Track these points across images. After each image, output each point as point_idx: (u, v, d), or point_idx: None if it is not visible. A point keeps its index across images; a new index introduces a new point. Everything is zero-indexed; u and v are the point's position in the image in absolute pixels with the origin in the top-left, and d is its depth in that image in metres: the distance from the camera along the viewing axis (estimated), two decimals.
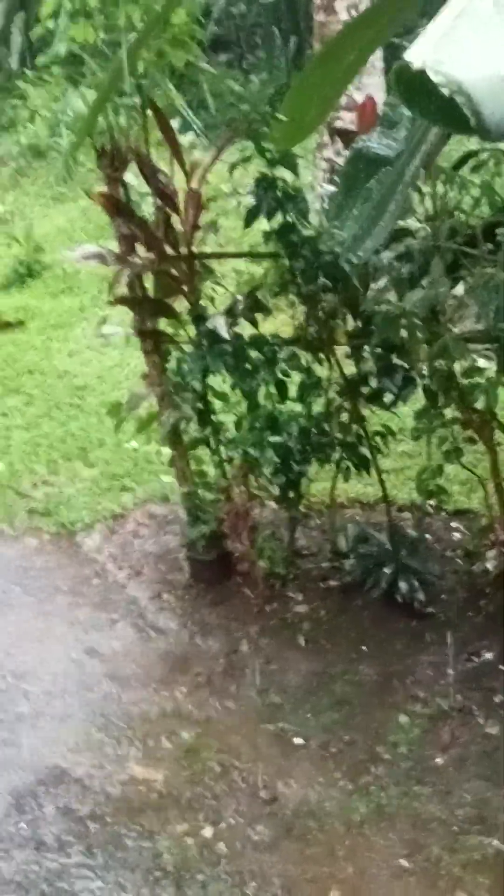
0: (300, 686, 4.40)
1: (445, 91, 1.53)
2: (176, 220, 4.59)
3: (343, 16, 8.11)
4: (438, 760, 3.96)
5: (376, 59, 8.27)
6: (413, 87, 1.58)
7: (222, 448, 4.82)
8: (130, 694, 4.47)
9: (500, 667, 4.33)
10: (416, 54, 1.56)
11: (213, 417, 4.80)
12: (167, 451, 5.13)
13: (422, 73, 1.53)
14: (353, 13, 7.95)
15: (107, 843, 3.77)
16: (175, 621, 4.89)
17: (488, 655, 4.41)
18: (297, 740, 4.14)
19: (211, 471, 5.00)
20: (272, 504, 5.15)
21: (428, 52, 1.56)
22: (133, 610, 4.99)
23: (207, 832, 3.79)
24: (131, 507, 5.82)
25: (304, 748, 4.10)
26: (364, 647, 4.57)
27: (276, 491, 4.82)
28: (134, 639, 4.81)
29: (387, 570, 4.70)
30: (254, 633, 4.72)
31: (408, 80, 1.57)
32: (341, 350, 4.66)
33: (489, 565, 4.82)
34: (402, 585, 4.65)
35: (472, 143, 5.61)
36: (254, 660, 4.58)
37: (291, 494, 4.85)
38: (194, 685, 4.48)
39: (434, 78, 1.53)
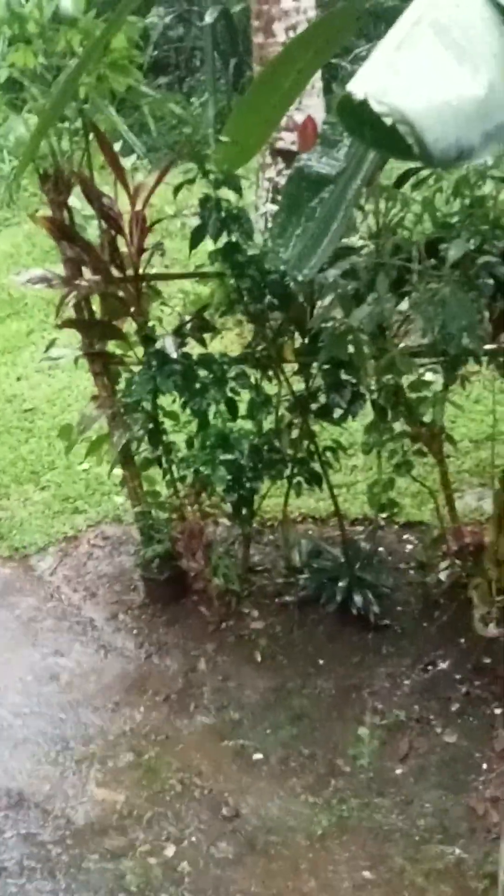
0: (258, 702, 4.42)
1: (389, 121, 1.56)
2: (121, 243, 4.60)
3: (281, 38, 8.17)
4: (398, 771, 3.99)
5: (316, 79, 8.35)
6: (357, 117, 1.60)
7: (174, 467, 4.84)
8: (89, 715, 4.47)
9: (456, 676, 4.38)
10: (359, 85, 1.59)
11: (164, 437, 4.81)
12: (119, 472, 5.13)
13: (365, 104, 1.56)
14: (292, 34, 8.02)
15: (69, 866, 3.77)
16: (132, 641, 4.89)
17: (443, 665, 4.46)
18: (257, 756, 4.16)
19: (163, 490, 5.01)
20: (225, 521, 5.17)
21: (370, 82, 1.59)
22: (89, 631, 4.99)
23: (170, 851, 3.80)
24: (84, 528, 5.82)
25: (264, 763, 4.12)
26: (321, 661, 4.60)
27: (228, 508, 4.84)
28: (91, 660, 4.80)
29: (341, 584, 4.73)
30: (211, 650, 4.74)
31: (351, 110, 1.59)
32: (290, 367, 4.70)
33: (442, 576, 4.87)
34: (357, 599, 4.69)
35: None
36: (211, 677, 4.59)
37: (244, 511, 4.87)
38: (153, 704, 4.49)
39: (377, 108, 1.56)
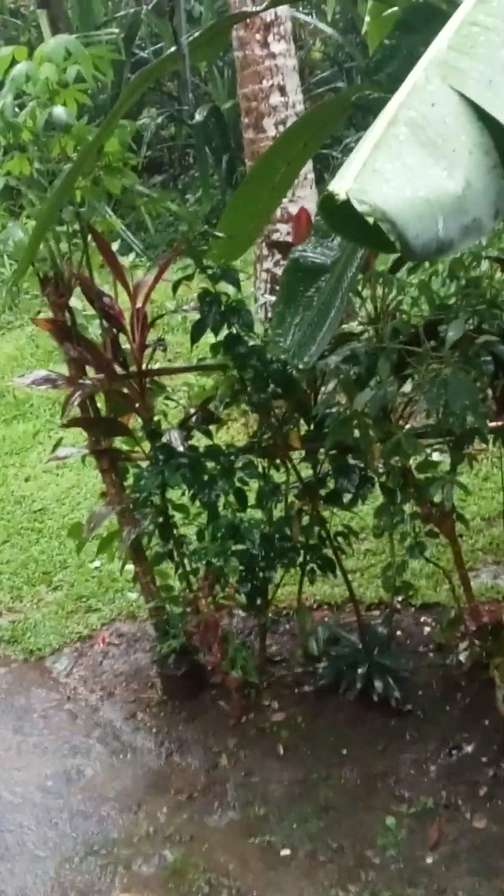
0: (283, 796, 4.34)
1: (370, 219, 1.59)
2: (124, 340, 4.65)
3: (271, 132, 8.34)
4: (429, 860, 3.91)
5: (308, 170, 8.50)
6: (339, 216, 1.64)
7: (186, 560, 4.83)
8: (111, 818, 4.40)
9: (482, 758, 4.31)
10: (340, 184, 1.62)
11: (174, 530, 4.80)
12: (131, 568, 5.11)
13: (347, 203, 1.60)
14: (281, 129, 8.19)
15: None
16: (151, 740, 4.83)
17: (468, 748, 4.39)
18: (285, 851, 4.07)
19: (176, 584, 4.99)
20: (240, 612, 5.14)
21: (350, 181, 1.62)
22: (108, 732, 4.93)
23: None
24: (99, 627, 5.78)
25: (292, 859, 4.03)
26: (344, 750, 4.53)
27: (243, 599, 4.81)
28: (111, 761, 4.74)
29: (360, 671, 4.68)
30: (232, 745, 4.67)
31: (334, 209, 1.63)
32: (297, 454, 4.71)
33: (462, 657, 4.82)
34: (377, 684, 4.63)
35: None
36: (234, 773, 4.52)
37: (259, 601, 4.84)
38: (176, 804, 4.41)
39: (358, 207, 1.59)
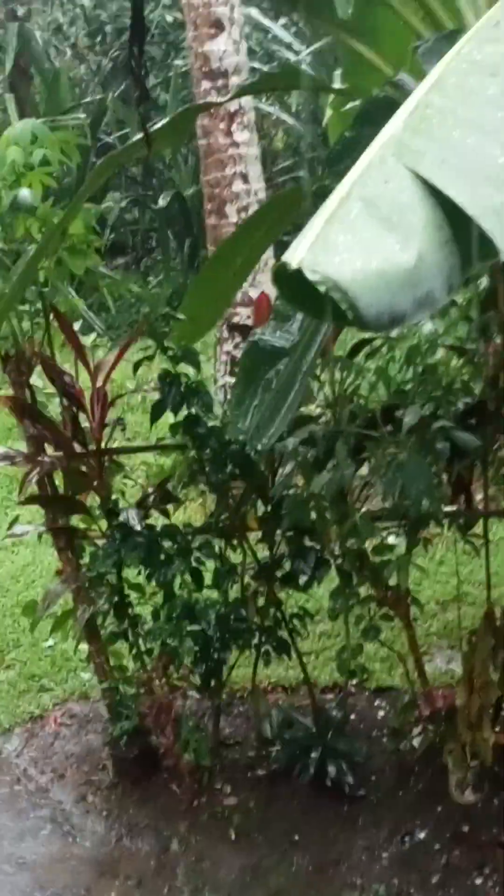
0: (234, 882, 4.28)
1: (323, 289, 1.63)
2: (83, 418, 4.67)
3: (233, 218, 8.49)
4: None
5: (268, 256, 8.63)
6: (292, 286, 1.67)
7: (141, 640, 4.80)
8: None
9: (435, 846, 4.27)
10: (293, 256, 1.67)
11: (129, 610, 4.78)
12: (85, 648, 5.07)
13: (299, 273, 1.64)
14: (243, 215, 8.33)
15: None
16: (102, 824, 4.75)
17: (421, 835, 4.35)
18: None
19: (130, 664, 4.95)
20: (194, 694, 5.10)
21: (303, 253, 1.67)
22: (58, 815, 4.84)
23: None
24: (51, 707, 5.70)
25: None
26: (296, 836, 4.47)
27: (197, 680, 4.78)
28: (61, 845, 4.65)
29: (314, 755, 4.65)
30: (183, 829, 4.61)
31: (287, 279, 1.67)
32: (253, 535, 4.73)
33: (415, 742, 4.80)
34: (331, 769, 4.60)
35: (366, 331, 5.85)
36: (185, 858, 4.45)
37: (213, 683, 4.81)
38: (125, 889, 4.34)
39: (311, 277, 1.63)
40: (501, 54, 2.13)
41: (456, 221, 1.84)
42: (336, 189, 1.85)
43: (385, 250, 1.73)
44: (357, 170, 1.89)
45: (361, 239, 1.73)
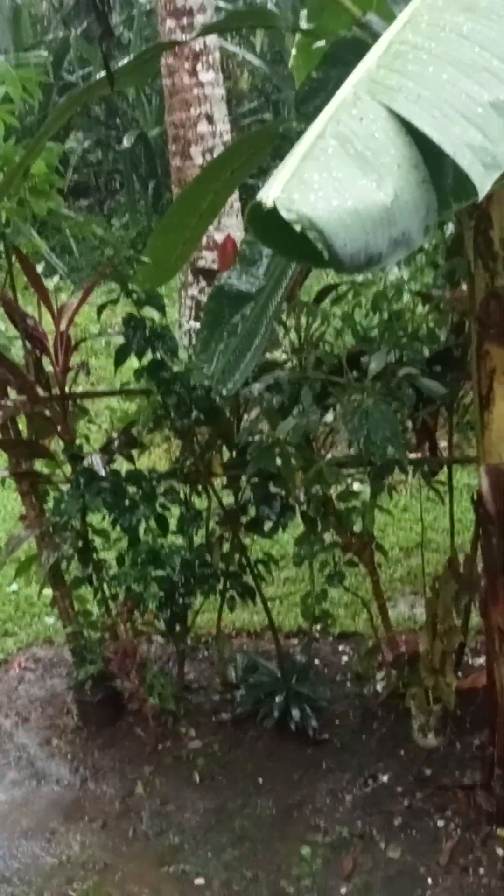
0: (198, 825, 4.31)
1: (298, 227, 1.60)
2: (47, 362, 4.62)
3: (199, 160, 8.40)
4: (343, 889, 3.90)
5: (234, 199, 8.56)
6: (267, 225, 1.64)
7: (105, 585, 4.79)
8: (24, 846, 4.32)
9: (397, 788, 4.32)
10: (267, 194, 1.63)
11: (94, 555, 4.77)
12: (49, 592, 5.06)
13: (274, 212, 1.60)
14: (209, 157, 8.24)
15: None
16: (66, 767, 4.76)
17: (384, 778, 4.40)
18: (199, 881, 4.03)
19: (95, 609, 4.95)
20: (159, 639, 5.11)
21: (278, 191, 1.63)
22: (22, 758, 4.85)
23: None
24: (15, 651, 5.71)
25: (206, 888, 3.99)
26: (261, 780, 4.51)
27: (162, 625, 4.79)
28: (25, 788, 4.66)
29: (278, 699, 4.68)
30: (148, 773, 4.63)
31: (261, 219, 1.63)
32: (219, 481, 4.72)
33: (379, 687, 4.85)
34: (295, 713, 4.63)
35: (331, 276, 5.83)
36: (149, 801, 4.48)
37: (178, 628, 4.82)
38: (90, 832, 4.35)
39: (286, 216, 1.60)
40: None
41: (432, 158, 1.81)
42: (311, 127, 1.81)
43: (361, 189, 1.70)
44: (331, 107, 1.86)
45: (337, 177, 1.70)
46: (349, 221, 1.65)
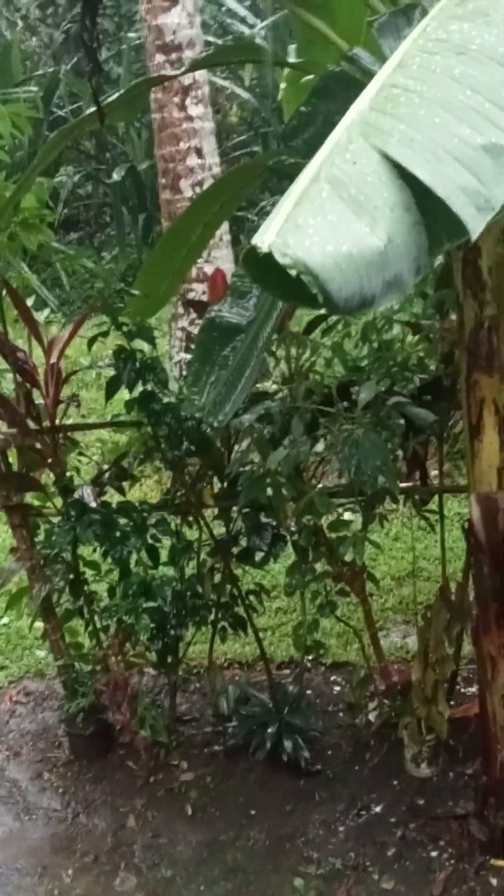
0: (191, 857, 4.29)
1: (293, 272, 1.62)
2: (37, 395, 4.63)
3: (188, 193, 8.44)
4: None
5: (224, 231, 8.60)
6: (262, 269, 1.66)
7: (97, 617, 4.78)
8: (15, 881, 4.29)
9: (390, 819, 4.31)
10: (262, 238, 1.65)
11: (85, 587, 4.76)
12: (40, 625, 5.05)
13: (269, 256, 1.63)
14: (198, 190, 8.29)
15: None
16: (58, 801, 4.74)
17: (377, 809, 4.38)
18: None
19: (86, 642, 4.94)
20: (151, 671, 5.10)
21: (273, 235, 1.65)
22: (13, 792, 4.83)
23: None
24: (6, 684, 5.69)
25: None
26: (253, 811, 4.49)
27: (153, 657, 4.78)
28: (16, 823, 4.64)
29: (270, 730, 4.67)
30: (140, 806, 4.61)
31: (256, 262, 1.65)
32: (210, 512, 4.72)
33: (371, 717, 4.83)
34: (287, 744, 4.62)
35: None
36: (142, 834, 4.46)
37: (170, 659, 4.81)
38: (81, 866, 4.33)
39: (281, 260, 1.62)
40: (466, 33, 2.12)
41: (424, 202, 1.84)
42: (304, 170, 1.83)
43: (354, 233, 1.73)
44: (325, 150, 1.88)
45: (331, 221, 1.72)
46: (344, 265, 1.68)
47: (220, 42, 13.65)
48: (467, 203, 1.81)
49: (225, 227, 8.46)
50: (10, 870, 4.36)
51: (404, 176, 1.84)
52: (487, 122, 1.92)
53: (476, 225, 1.81)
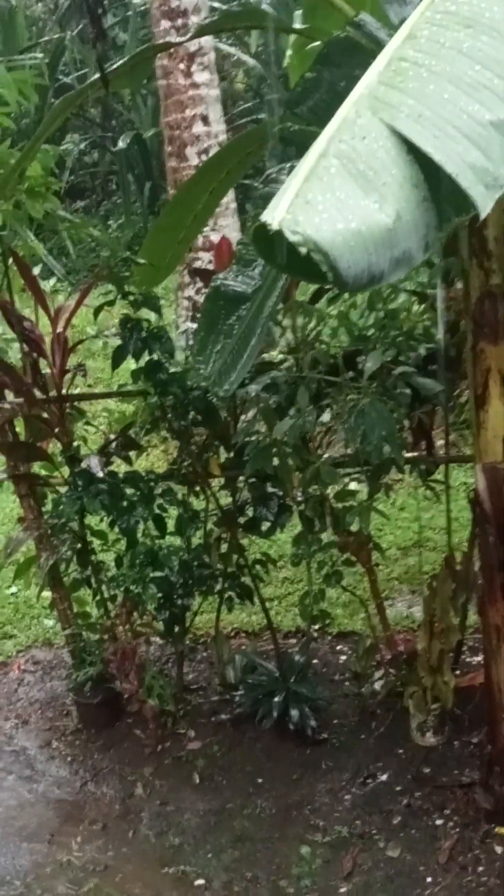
0: (199, 825, 4.32)
1: (303, 250, 1.61)
2: (44, 364, 4.63)
3: (194, 161, 8.39)
4: (343, 889, 3.91)
5: (230, 199, 8.56)
6: (271, 246, 1.66)
7: (104, 587, 4.80)
8: (25, 849, 4.33)
9: (396, 788, 4.33)
10: (272, 215, 1.64)
11: (92, 557, 4.78)
12: (48, 595, 5.07)
13: (279, 233, 1.62)
14: (204, 157, 8.24)
15: None
16: (66, 769, 4.77)
17: (383, 777, 4.40)
18: (199, 881, 4.05)
19: (94, 611, 4.96)
20: (158, 640, 5.11)
21: (283, 212, 1.64)
22: (22, 760, 4.86)
23: None
24: (14, 653, 5.71)
25: (206, 889, 4.01)
26: (260, 780, 4.52)
27: (161, 627, 4.79)
28: (25, 790, 4.67)
29: (277, 699, 4.68)
30: (148, 774, 4.64)
31: (266, 239, 1.65)
32: (216, 482, 4.72)
33: (377, 686, 4.84)
34: (294, 713, 4.63)
35: None
36: (149, 802, 4.49)
37: (177, 629, 4.83)
38: (90, 834, 4.37)
39: (291, 238, 1.61)
40: (475, 5, 2.09)
41: (433, 178, 1.82)
42: (313, 145, 1.82)
43: (363, 210, 1.72)
44: (333, 125, 1.87)
45: (340, 198, 1.71)
46: (353, 243, 1.67)
47: (225, 7, 13.54)
48: (476, 180, 1.80)
49: (231, 195, 8.42)
50: (19, 837, 4.40)
51: (413, 151, 1.83)
52: (496, 98, 1.90)
53: (485, 203, 1.80)
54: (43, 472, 4.85)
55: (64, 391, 4.64)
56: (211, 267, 5.49)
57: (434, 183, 1.82)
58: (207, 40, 8.55)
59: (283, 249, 1.63)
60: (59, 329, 4.57)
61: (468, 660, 4.90)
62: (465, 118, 1.87)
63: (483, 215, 1.80)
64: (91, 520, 4.75)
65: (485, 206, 1.80)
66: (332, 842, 4.13)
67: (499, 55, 1.99)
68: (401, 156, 1.82)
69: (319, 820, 4.24)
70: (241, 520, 4.68)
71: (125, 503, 4.51)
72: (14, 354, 4.72)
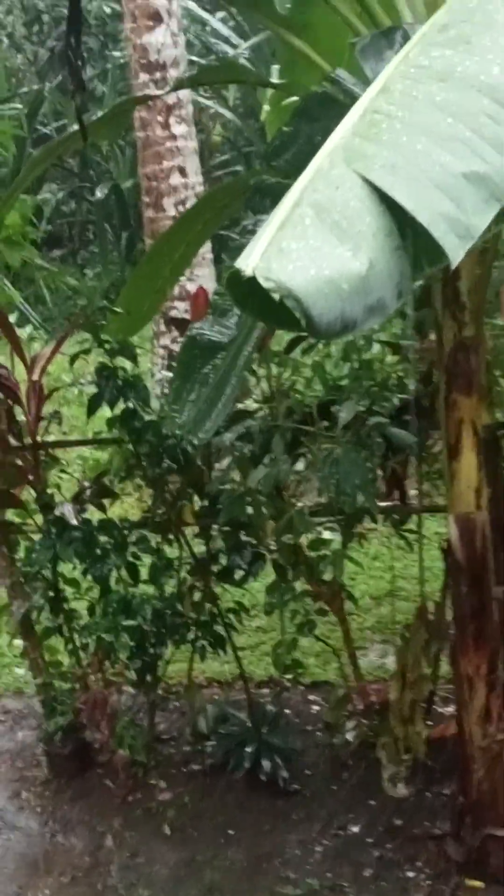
0: (169, 877, 4.27)
1: (276, 296, 1.64)
2: (19, 412, 4.63)
3: (171, 212, 8.47)
4: None
5: (206, 250, 8.62)
6: (245, 292, 1.68)
7: (76, 635, 4.77)
8: None
9: (367, 839, 4.30)
10: (246, 262, 1.67)
11: (65, 605, 4.75)
12: (19, 643, 5.03)
13: (252, 280, 1.64)
14: (181, 209, 8.32)
15: None
16: (35, 820, 4.71)
17: (355, 828, 4.38)
18: None
19: (66, 659, 4.92)
20: (130, 689, 5.08)
21: (257, 259, 1.67)
22: None
23: None
24: None
25: None
26: (231, 831, 4.47)
27: (133, 675, 4.76)
28: None
29: (249, 750, 4.65)
30: (118, 825, 4.59)
31: (240, 286, 1.67)
32: (190, 530, 4.72)
33: (349, 736, 4.82)
34: (265, 764, 4.61)
35: None
36: (119, 854, 4.43)
37: (149, 678, 4.80)
38: (59, 887, 4.30)
39: (264, 284, 1.64)
40: (448, 59, 2.14)
41: (405, 227, 1.86)
42: (287, 195, 1.85)
43: (337, 258, 1.75)
44: (307, 175, 1.90)
45: (314, 246, 1.74)
46: (326, 290, 1.70)
47: (203, 62, 13.73)
48: (448, 231, 1.83)
49: (207, 245, 8.48)
50: None
51: (386, 201, 1.86)
52: (468, 150, 1.94)
53: (456, 253, 1.83)
54: (16, 520, 4.84)
55: (38, 438, 4.64)
56: (187, 316, 5.53)
57: (407, 232, 1.86)
58: (185, 93, 8.66)
59: (256, 296, 1.65)
60: (35, 377, 4.58)
61: (440, 710, 4.90)
62: (437, 169, 1.91)
63: (454, 264, 1.84)
64: (64, 567, 4.73)
65: (456, 256, 1.83)
66: (303, 894, 4.08)
67: (471, 108, 2.03)
68: (374, 205, 1.85)
69: (290, 872, 4.21)
70: (215, 568, 4.68)
71: (99, 551, 4.50)
72: None
